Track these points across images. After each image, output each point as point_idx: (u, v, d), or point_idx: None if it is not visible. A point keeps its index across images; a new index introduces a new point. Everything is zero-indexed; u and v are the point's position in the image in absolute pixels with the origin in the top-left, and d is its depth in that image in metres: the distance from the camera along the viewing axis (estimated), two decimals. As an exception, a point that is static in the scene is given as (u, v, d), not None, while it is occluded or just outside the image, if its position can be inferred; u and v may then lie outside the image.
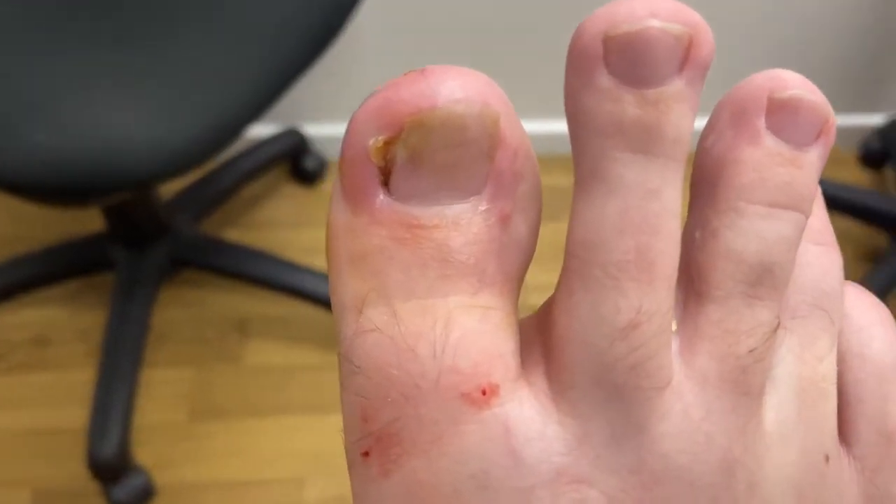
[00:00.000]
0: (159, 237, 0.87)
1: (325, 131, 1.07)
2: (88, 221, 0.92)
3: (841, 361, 0.13)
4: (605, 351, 0.11)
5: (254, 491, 0.81)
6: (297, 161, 1.05)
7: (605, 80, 0.11)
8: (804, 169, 0.12)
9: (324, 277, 0.89)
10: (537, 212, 0.12)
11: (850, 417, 0.13)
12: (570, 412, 0.11)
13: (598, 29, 0.11)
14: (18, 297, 0.90)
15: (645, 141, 0.11)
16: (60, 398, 0.86)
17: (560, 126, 1.21)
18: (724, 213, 0.12)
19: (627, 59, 0.11)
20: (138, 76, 0.59)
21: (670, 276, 0.11)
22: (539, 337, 0.12)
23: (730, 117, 0.12)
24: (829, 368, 0.13)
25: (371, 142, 0.11)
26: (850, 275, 0.13)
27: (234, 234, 1.00)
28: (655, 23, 0.11)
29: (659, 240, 0.11)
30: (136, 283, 0.85)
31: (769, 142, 0.12)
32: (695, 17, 0.11)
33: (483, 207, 0.12)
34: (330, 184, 1.06)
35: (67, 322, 0.91)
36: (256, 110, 0.59)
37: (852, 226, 1.06)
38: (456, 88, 0.11)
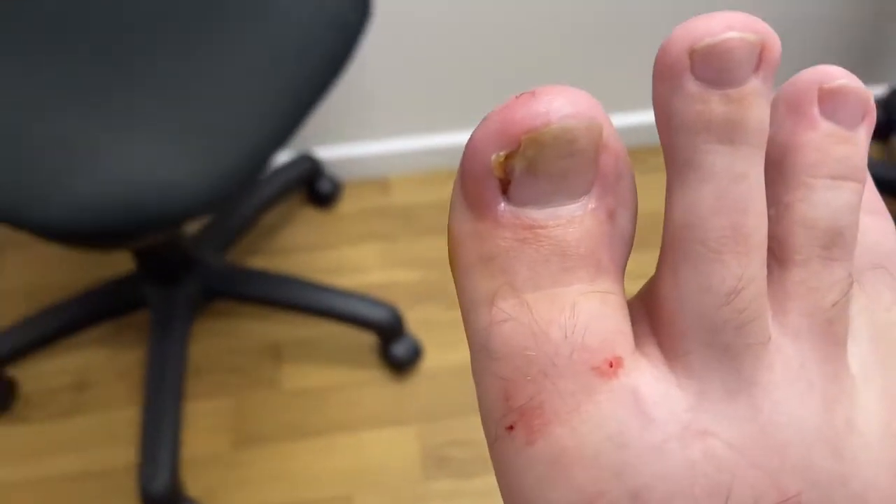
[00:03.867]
0: (188, 271, 0.89)
1: (336, 153, 1.09)
2: (115, 263, 0.93)
3: None
4: (713, 316, 0.13)
5: (304, 512, 0.82)
6: (311, 185, 1.06)
7: (692, 85, 0.13)
8: (856, 146, 0.14)
9: (349, 296, 0.90)
10: (635, 205, 0.14)
11: None
12: (686, 374, 0.13)
13: (683, 44, 0.13)
14: (56, 344, 0.91)
15: (731, 132, 0.13)
16: (106, 439, 0.87)
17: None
18: (796, 189, 0.14)
19: (711, 65, 0.13)
20: (164, 118, 0.61)
21: (761, 247, 0.13)
22: (645, 315, 0.14)
23: (786, 109, 0.14)
24: (894, 317, 0.15)
25: (493, 157, 0.13)
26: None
27: (259, 262, 1.01)
28: (733, 34, 0.13)
29: (749, 217, 0.13)
30: (171, 319, 0.86)
31: (824, 125, 0.14)
32: (764, 26, 0.13)
33: (592, 206, 0.13)
34: (345, 205, 1.07)
35: (106, 364, 0.93)
36: (282, 140, 0.60)
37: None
38: (565, 105, 0.13)
